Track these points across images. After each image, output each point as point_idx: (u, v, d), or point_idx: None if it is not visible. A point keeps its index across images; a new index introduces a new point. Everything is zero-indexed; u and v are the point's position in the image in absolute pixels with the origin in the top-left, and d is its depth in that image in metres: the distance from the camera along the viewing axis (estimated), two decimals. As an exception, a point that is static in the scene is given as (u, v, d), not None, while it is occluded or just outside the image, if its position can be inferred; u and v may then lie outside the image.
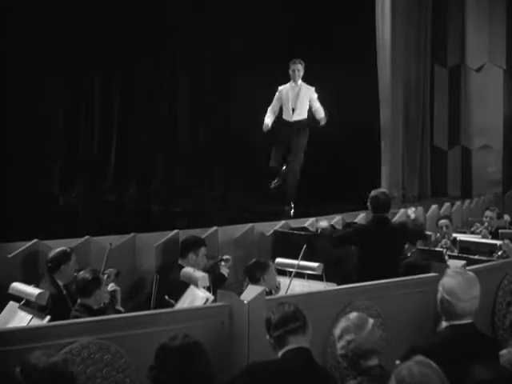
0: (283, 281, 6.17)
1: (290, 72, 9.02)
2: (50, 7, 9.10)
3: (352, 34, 11.45)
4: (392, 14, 11.75)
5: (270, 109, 9.13)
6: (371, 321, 3.45)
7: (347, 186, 11.04)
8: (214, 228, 6.75)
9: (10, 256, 5.67)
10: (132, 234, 6.22)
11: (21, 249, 5.71)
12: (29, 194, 8.13)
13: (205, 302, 5.19)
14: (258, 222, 7.32)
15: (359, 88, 11.64)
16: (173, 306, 5.56)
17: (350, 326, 3.39)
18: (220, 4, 11.19)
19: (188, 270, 5.51)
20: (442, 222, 7.92)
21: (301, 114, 9.05)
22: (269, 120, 9.02)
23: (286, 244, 6.96)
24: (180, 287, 5.59)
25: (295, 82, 9.05)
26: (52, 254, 5.46)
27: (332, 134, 11.35)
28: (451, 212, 9.77)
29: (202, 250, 6.02)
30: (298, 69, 9.01)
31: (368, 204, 6.18)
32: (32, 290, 4.65)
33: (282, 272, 6.24)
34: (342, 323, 3.43)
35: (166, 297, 5.84)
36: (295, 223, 7.66)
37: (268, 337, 3.77)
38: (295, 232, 7.03)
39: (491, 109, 12.45)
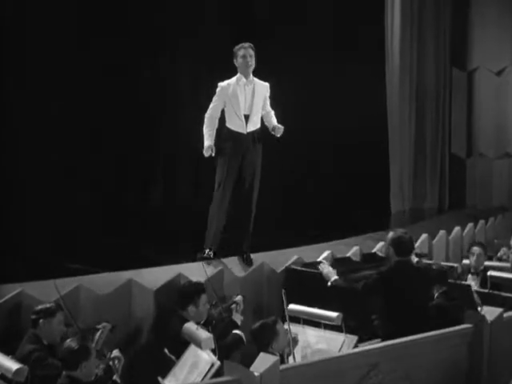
0: (296, 329, 5.55)
1: (240, 60, 6.42)
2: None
3: (360, 34, 10.90)
4: (402, 13, 11.21)
5: (208, 119, 6.45)
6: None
7: (353, 202, 10.48)
8: (220, 268, 6.10)
9: (-12, 308, 5.04)
10: (127, 279, 5.56)
11: (2, 300, 5.06)
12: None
13: (209, 368, 4.60)
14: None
15: (366, 92, 11.04)
16: (173, 362, 4.98)
17: None
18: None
19: (190, 327, 4.89)
20: (475, 249, 7.26)
21: (256, 123, 6.51)
22: (210, 140, 6.36)
23: (299, 283, 6.31)
24: (181, 340, 5.01)
25: (247, 75, 6.48)
26: (37, 307, 4.86)
27: (334, 141, 10.88)
28: (474, 233, 9.12)
29: (203, 298, 5.27)
30: (251, 55, 6.43)
31: (388, 246, 5.50)
32: (9, 365, 4.02)
33: (295, 319, 5.63)
34: None
35: (166, 350, 5.23)
36: (310, 254, 7.00)
37: None
38: (309, 270, 6.36)
39: (513, 114, 11.82)
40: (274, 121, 6.61)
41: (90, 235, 7.59)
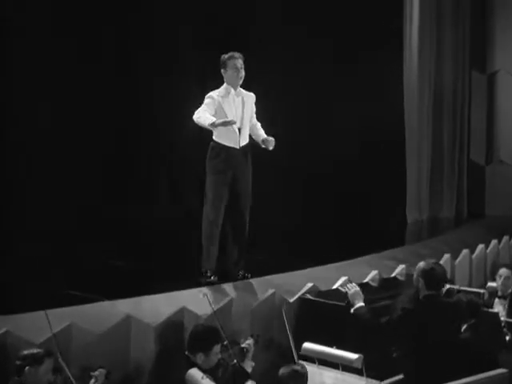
0: (311, 369, 5.03)
1: (230, 71, 6.03)
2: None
3: (378, 34, 10.37)
4: (421, 14, 10.72)
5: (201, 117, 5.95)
6: None
7: (367, 211, 9.98)
8: (229, 298, 5.56)
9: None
10: (125, 315, 5.04)
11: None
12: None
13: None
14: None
15: (382, 96, 10.61)
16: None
17: None
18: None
19: (195, 375, 4.38)
20: (503, 271, 6.74)
21: (247, 136, 6.12)
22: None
23: (314, 315, 5.77)
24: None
25: (235, 86, 6.09)
26: (22, 352, 4.34)
27: (345, 148, 10.38)
28: (499, 250, 8.56)
29: (215, 348, 4.68)
30: (242, 65, 6.05)
31: (418, 277, 4.96)
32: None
33: (309, 359, 5.13)
34: None
35: (168, 395, 4.73)
36: (325, 278, 6.48)
37: None
38: (324, 301, 5.81)
39: (535, 120, 11.29)
40: (263, 133, 6.25)
41: (82, 256, 7.10)
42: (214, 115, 5.92)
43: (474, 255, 8.00)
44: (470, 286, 7.56)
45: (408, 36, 10.75)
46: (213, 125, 5.78)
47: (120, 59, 9.03)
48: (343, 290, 6.09)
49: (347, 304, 5.25)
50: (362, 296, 5.16)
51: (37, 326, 4.81)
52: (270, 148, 6.16)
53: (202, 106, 6.02)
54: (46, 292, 5.65)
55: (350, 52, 10.38)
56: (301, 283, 6.36)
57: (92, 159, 8.84)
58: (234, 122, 5.90)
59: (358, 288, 5.20)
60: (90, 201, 8.59)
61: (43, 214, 7.86)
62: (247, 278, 6.25)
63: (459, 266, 7.71)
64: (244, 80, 6.25)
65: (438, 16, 11.16)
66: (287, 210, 9.61)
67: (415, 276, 5.03)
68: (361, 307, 5.07)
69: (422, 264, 5.02)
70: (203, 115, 5.87)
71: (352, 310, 5.10)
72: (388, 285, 6.50)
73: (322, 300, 5.82)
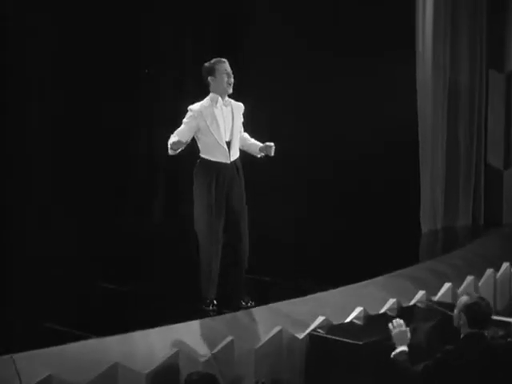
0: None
1: (220, 76, 5.57)
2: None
3: (387, 32, 9.78)
4: (435, 8, 10.13)
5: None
6: None
7: (376, 221, 9.37)
8: (229, 338, 4.94)
9: None
10: (113, 363, 4.43)
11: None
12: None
13: None
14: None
15: (394, 97, 9.99)
16: None
17: None
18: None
19: None
20: None
21: (237, 150, 5.68)
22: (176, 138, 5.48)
23: (327, 355, 5.16)
24: None
25: (224, 95, 5.62)
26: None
27: (354, 153, 9.81)
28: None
29: None
30: (230, 72, 5.66)
31: (460, 313, 4.35)
32: None
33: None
34: None
35: None
36: (338, 311, 5.85)
37: None
38: (339, 339, 5.17)
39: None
40: (256, 141, 5.82)
41: (65, 279, 6.53)
42: (198, 130, 5.53)
43: (498, 274, 7.35)
44: (494, 309, 6.94)
45: (421, 32, 10.13)
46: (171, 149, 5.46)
47: (120, 59, 8.56)
48: (358, 322, 5.56)
49: (389, 345, 4.55)
50: (408, 338, 4.50)
51: (5, 376, 4.24)
52: (272, 154, 5.70)
53: (186, 121, 5.58)
54: (17, 327, 5.12)
55: (360, 51, 9.82)
56: (309, 312, 5.79)
57: (87, 166, 8.38)
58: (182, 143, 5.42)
59: (404, 327, 4.52)
60: (79, 212, 8.13)
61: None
62: (251, 306, 5.75)
63: (483, 287, 7.07)
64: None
65: (452, 10, 10.53)
66: (289, 217, 9.07)
67: (456, 312, 4.44)
68: (402, 352, 4.42)
69: (464, 299, 4.45)
70: (171, 140, 5.47)
71: (392, 355, 4.43)
72: (408, 315, 5.85)
73: (336, 337, 5.19)
